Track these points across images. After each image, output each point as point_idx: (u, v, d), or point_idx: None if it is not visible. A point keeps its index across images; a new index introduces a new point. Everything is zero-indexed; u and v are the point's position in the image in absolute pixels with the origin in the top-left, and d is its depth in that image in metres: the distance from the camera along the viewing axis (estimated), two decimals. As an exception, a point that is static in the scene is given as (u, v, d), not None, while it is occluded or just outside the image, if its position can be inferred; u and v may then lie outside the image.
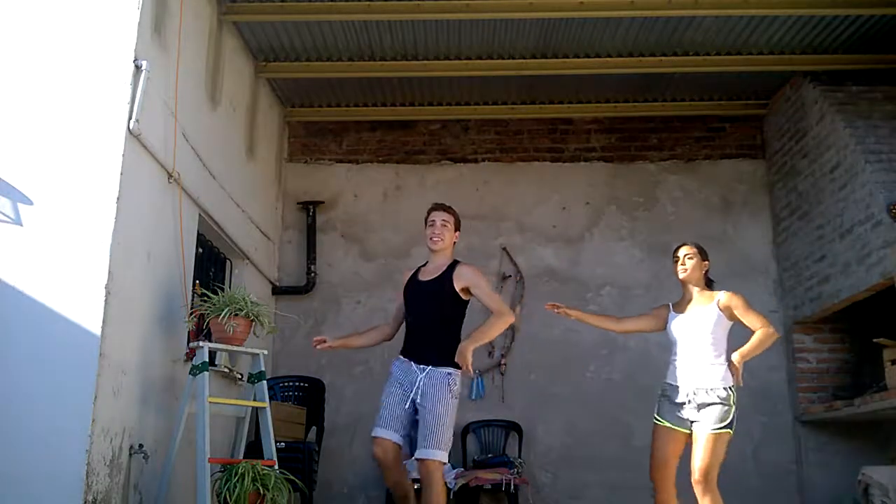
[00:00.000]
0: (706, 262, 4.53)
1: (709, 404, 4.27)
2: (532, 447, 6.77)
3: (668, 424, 4.41)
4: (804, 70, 6.62)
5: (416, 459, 4.13)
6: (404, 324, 4.47)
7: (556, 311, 4.74)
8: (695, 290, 4.48)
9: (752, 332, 4.31)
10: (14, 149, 4.05)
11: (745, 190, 7.37)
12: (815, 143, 6.49)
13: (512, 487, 6.18)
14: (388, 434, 4.16)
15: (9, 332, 3.82)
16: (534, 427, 6.86)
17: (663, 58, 6.53)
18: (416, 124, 7.62)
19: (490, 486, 6.26)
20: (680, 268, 4.49)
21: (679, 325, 4.44)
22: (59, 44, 4.19)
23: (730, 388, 4.28)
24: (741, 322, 4.35)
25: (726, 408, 4.25)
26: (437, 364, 4.18)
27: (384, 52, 6.51)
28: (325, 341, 4.53)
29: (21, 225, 3.97)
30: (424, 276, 4.42)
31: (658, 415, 4.50)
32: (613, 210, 7.37)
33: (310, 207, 7.36)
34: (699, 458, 4.25)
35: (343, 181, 7.50)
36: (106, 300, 3.89)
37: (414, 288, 4.41)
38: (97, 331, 3.84)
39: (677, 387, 4.41)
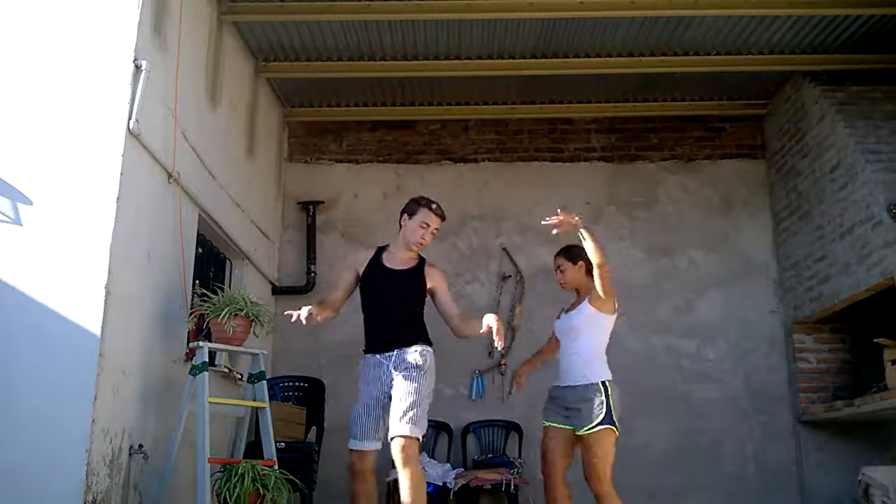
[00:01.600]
0: (580, 263, 4.61)
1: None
2: (532, 447, 6.75)
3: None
4: (804, 70, 6.62)
5: (392, 438, 3.95)
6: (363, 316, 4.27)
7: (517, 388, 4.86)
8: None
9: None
10: (14, 149, 4.06)
11: (745, 190, 7.37)
12: (816, 143, 6.49)
13: (512, 488, 6.17)
14: (370, 444, 4.06)
15: (9, 332, 3.82)
16: (534, 427, 6.83)
17: (663, 58, 6.53)
18: (416, 124, 7.61)
19: (490, 487, 6.25)
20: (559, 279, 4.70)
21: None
22: (59, 44, 4.19)
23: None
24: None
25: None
26: (405, 345, 4.12)
27: (384, 52, 6.50)
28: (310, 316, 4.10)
29: (21, 225, 3.97)
30: (393, 264, 4.30)
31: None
32: (613, 210, 7.37)
33: (310, 207, 7.35)
34: None
35: (343, 181, 7.50)
36: (106, 300, 3.89)
37: (382, 274, 4.26)
38: (97, 331, 3.84)
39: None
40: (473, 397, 6.94)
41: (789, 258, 6.95)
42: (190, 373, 4.56)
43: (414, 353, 4.11)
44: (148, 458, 4.32)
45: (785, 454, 6.76)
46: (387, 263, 4.31)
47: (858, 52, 6.39)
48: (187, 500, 4.72)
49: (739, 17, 5.97)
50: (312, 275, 7.20)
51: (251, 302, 4.73)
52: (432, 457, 6.63)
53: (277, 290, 7.15)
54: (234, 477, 4.33)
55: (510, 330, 7.03)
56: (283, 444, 5.42)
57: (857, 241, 5.84)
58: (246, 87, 6.45)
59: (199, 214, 5.33)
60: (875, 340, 5.85)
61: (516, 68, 6.67)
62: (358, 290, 4.39)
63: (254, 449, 5.23)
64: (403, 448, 3.93)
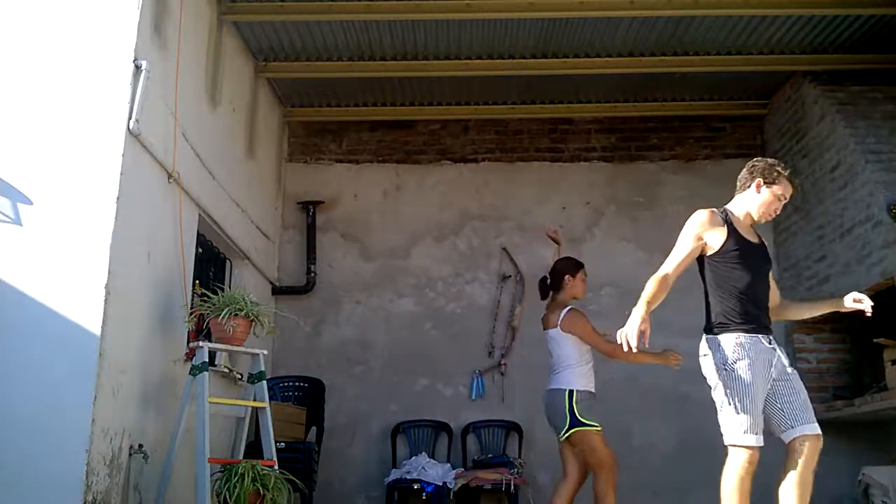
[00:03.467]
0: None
1: None
2: (532, 447, 6.76)
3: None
4: (804, 70, 6.62)
5: (802, 437, 3.67)
6: (722, 290, 3.71)
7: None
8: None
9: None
10: (14, 149, 4.05)
11: (745, 190, 7.36)
12: (816, 143, 6.49)
13: (512, 487, 6.17)
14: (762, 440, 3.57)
15: (9, 331, 3.82)
16: (534, 427, 6.84)
17: (663, 58, 6.53)
18: (416, 124, 7.61)
19: (490, 487, 6.25)
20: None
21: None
22: (59, 44, 4.19)
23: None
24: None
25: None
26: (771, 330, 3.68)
27: (384, 52, 6.50)
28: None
29: (21, 225, 3.97)
30: (749, 237, 3.76)
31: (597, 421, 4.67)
32: (614, 210, 7.37)
33: (310, 207, 7.35)
34: None
35: (343, 181, 7.50)
36: (106, 300, 3.89)
37: (749, 245, 3.71)
38: (97, 330, 3.84)
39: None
40: (473, 397, 6.94)
41: (789, 258, 6.95)
42: (190, 373, 4.56)
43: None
44: (148, 458, 4.32)
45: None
46: (745, 235, 3.75)
47: (858, 52, 6.39)
48: (187, 500, 4.71)
49: (739, 17, 5.97)
50: (312, 275, 7.20)
51: (251, 302, 4.73)
52: (432, 457, 6.63)
53: (277, 290, 7.15)
54: (234, 477, 4.33)
55: (510, 330, 7.03)
56: (283, 444, 5.42)
57: (857, 241, 5.84)
58: (246, 87, 6.45)
59: (199, 214, 5.33)
60: (875, 340, 5.84)
61: (516, 68, 6.66)
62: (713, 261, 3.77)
63: (254, 449, 5.23)
64: (818, 448, 3.67)
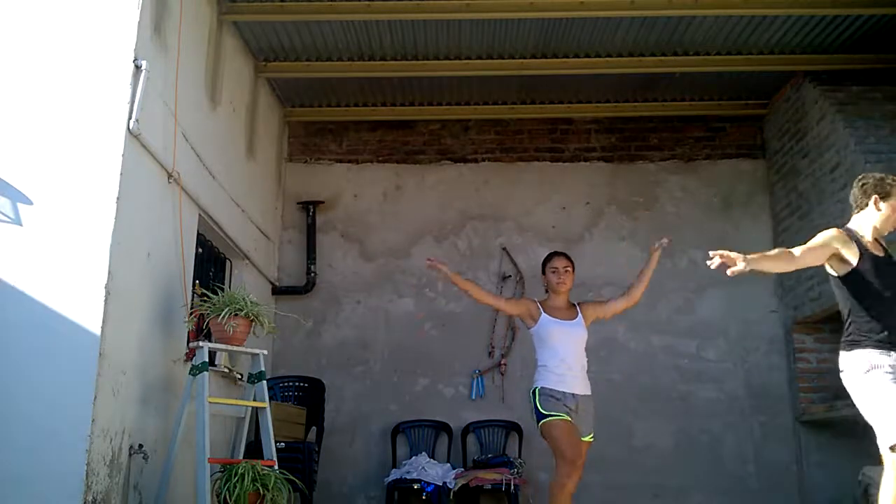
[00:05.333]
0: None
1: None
2: (532, 447, 6.76)
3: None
4: (804, 70, 6.62)
5: None
6: (857, 308, 3.68)
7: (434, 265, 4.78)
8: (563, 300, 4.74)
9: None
10: (14, 149, 4.05)
11: (745, 190, 7.37)
12: (816, 143, 6.49)
13: (512, 487, 6.17)
14: None
15: (9, 331, 3.82)
16: (534, 427, 6.83)
17: (663, 58, 6.53)
18: (416, 124, 7.61)
19: (490, 487, 6.25)
20: (563, 278, 4.70)
21: (562, 332, 4.60)
22: (59, 44, 4.19)
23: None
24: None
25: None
26: None
27: (384, 52, 6.50)
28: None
29: (21, 225, 3.97)
30: (878, 252, 3.79)
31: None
32: (613, 210, 7.37)
33: (310, 207, 7.36)
34: None
35: (343, 181, 7.50)
36: (106, 300, 3.89)
37: (880, 261, 3.75)
38: (97, 330, 3.84)
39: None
40: (473, 397, 6.94)
41: (789, 258, 6.94)
42: (190, 373, 4.56)
43: None
44: (148, 458, 4.32)
45: (785, 454, 6.76)
46: (875, 252, 3.79)
47: (858, 52, 6.39)
48: (187, 500, 4.72)
49: (739, 17, 5.97)
50: (312, 275, 7.20)
51: (251, 302, 4.73)
52: (432, 457, 6.63)
53: (277, 290, 7.15)
54: (234, 477, 4.34)
55: (510, 330, 7.03)
56: (283, 444, 5.43)
57: (857, 241, 5.83)
58: (246, 87, 6.45)
59: (199, 214, 5.33)
60: (875, 340, 5.84)
61: (516, 68, 6.66)
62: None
63: (254, 449, 5.23)
64: None
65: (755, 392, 6.90)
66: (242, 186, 6.24)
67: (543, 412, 4.46)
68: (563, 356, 4.53)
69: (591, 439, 4.59)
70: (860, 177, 3.96)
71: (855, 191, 3.93)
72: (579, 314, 4.69)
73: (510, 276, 7.21)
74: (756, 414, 6.84)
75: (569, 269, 4.75)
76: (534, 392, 4.53)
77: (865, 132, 5.98)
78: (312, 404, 6.46)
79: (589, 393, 4.60)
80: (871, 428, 3.80)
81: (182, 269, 4.93)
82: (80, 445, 3.72)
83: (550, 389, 4.47)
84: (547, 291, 4.82)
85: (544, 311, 4.64)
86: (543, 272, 4.81)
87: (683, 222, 7.25)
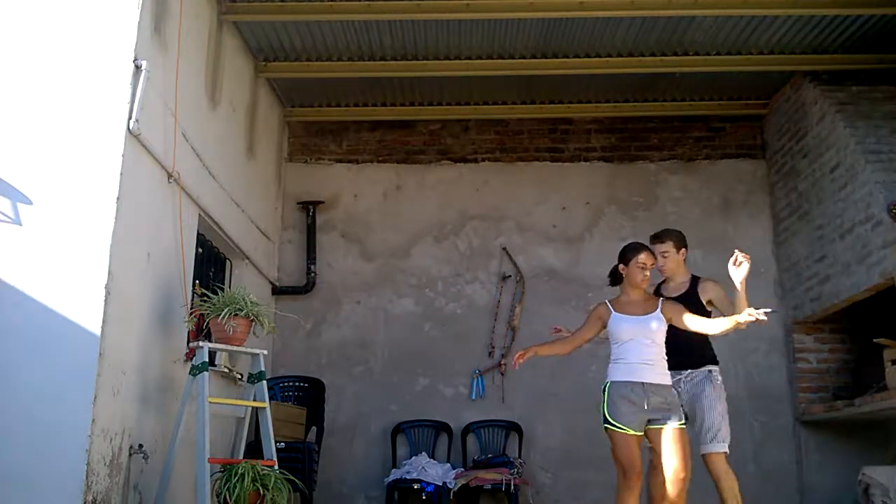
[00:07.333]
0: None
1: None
2: (532, 447, 6.77)
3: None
4: (804, 70, 6.62)
5: None
6: None
7: (516, 363, 4.61)
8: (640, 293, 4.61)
9: None
10: (14, 149, 4.05)
11: (745, 190, 7.37)
12: (816, 143, 6.49)
13: (512, 488, 6.17)
14: None
15: (9, 331, 3.82)
16: (534, 427, 6.86)
17: (663, 58, 6.53)
18: (416, 124, 7.61)
19: (490, 487, 6.25)
20: (648, 275, 4.56)
21: (633, 328, 4.47)
22: (59, 44, 4.19)
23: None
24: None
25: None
26: None
27: (384, 52, 6.50)
28: None
29: (21, 225, 3.97)
30: None
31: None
32: (613, 210, 7.37)
33: (310, 207, 7.36)
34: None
35: (343, 181, 7.50)
36: (106, 300, 3.89)
37: None
38: (97, 331, 3.84)
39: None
40: (473, 397, 6.94)
41: (789, 258, 6.95)
42: (190, 373, 4.56)
43: None
44: (148, 458, 4.32)
45: (785, 454, 6.76)
46: None
47: (858, 52, 6.39)
48: (187, 500, 4.72)
49: (739, 17, 5.97)
50: (312, 275, 7.20)
51: (251, 302, 4.72)
52: (432, 457, 6.63)
53: (277, 290, 7.16)
54: (234, 477, 4.33)
55: (510, 330, 7.03)
56: (283, 444, 5.43)
57: (857, 241, 5.84)
58: (246, 87, 6.45)
59: (199, 214, 5.33)
60: (875, 340, 5.85)
61: (516, 68, 6.66)
62: None
63: (254, 449, 5.23)
64: None
65: (755, 392, 6.89)
66: (242, 186, 6.24)
67: (608, 417, 4.40)
68: (630, 348, 4.43)
69: (682, 425, 4.44)
70: None
71: None
72: (658, 309, 4.49)
73: (510, 276, 7.21)
74: (756, 414, 6.84)
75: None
76: (604, 389, 4.44)
77: (865, 132, 5.98)
78: (312, 404, 6.46)
79: (665, 382, 4.40)
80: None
81: (182, 269, 4.93)
82: (80, 445, 3.71)
83: (620, 383, 4.34)
84: (618, 284, 4.69)
85: (614, 310, 4.55)
86: (626, 263, 4.59)
87: (683, 222, 7.21)
